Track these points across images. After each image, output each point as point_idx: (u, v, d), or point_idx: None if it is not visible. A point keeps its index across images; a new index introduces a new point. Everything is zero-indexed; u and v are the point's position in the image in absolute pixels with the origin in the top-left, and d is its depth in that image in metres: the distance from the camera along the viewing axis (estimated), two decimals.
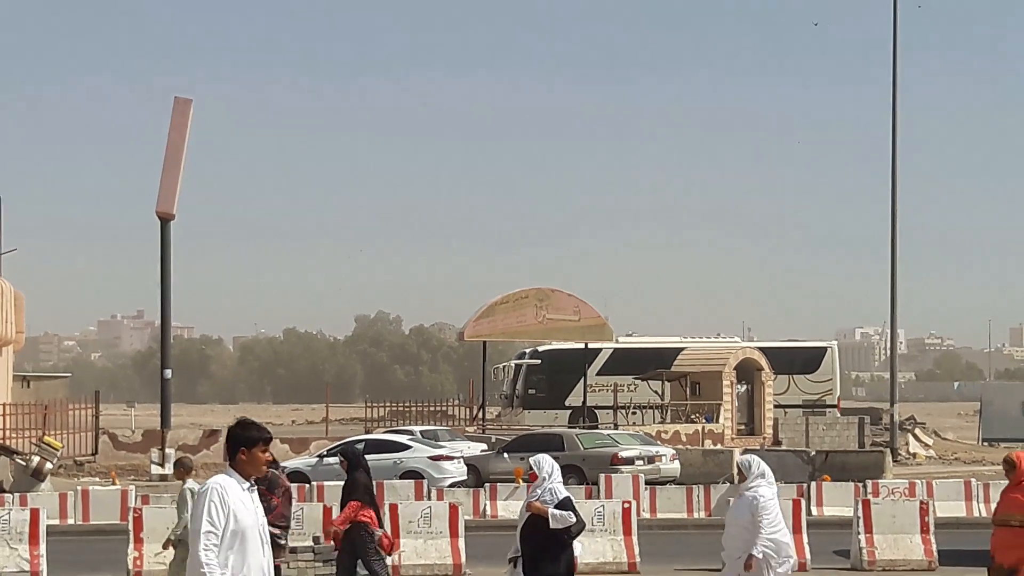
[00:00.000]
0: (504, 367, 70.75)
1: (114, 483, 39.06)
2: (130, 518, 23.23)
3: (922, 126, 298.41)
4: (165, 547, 19.84)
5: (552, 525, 14.55)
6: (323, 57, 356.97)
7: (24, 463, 38.28)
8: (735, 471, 16.68)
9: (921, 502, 24.39)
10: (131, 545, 22.82)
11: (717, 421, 57.63)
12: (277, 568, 14.14)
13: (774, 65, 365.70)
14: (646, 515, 30.51)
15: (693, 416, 58.46)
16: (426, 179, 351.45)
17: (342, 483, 19.66)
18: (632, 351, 66.72)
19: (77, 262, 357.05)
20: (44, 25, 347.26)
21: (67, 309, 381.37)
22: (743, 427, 60.39)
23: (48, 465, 38.37)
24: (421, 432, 45.29)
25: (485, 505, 31.91)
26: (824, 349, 68.56)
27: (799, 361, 66.92)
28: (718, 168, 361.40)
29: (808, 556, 23.57)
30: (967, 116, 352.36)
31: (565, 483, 35.09)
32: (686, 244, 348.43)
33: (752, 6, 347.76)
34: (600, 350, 64.96)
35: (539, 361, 67.53)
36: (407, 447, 40.79)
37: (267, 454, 9.81)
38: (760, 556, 15.28)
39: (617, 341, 65.50)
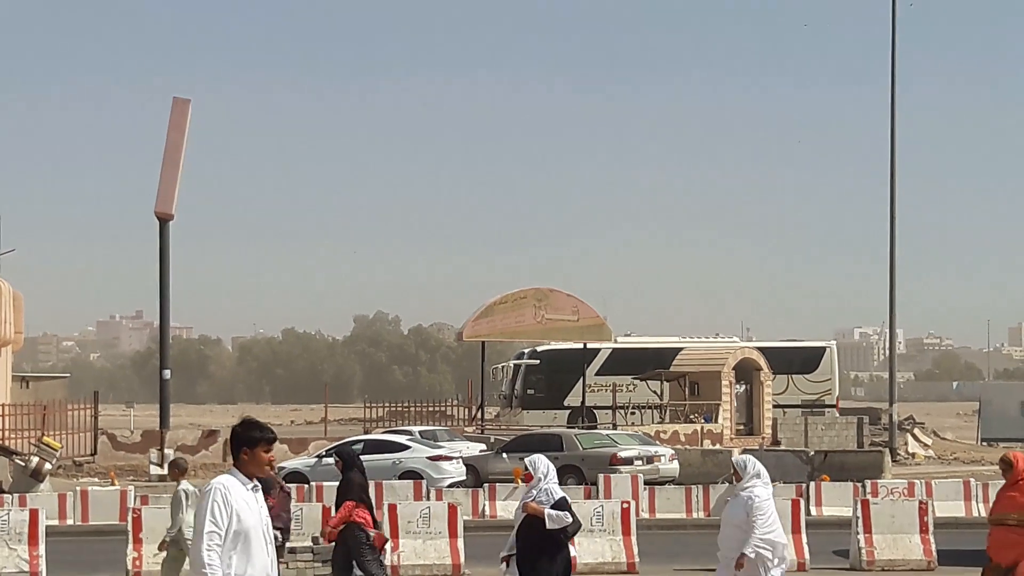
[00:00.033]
0: (503, 367, 70.74)
1: (113, 483, 39.07)
2: (129, 518, 23.25)
3: (921, 126, 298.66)
4: (161, 548, 19.86)
5: (549, 525, 14.56)
6: (323, 57, 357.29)
7: (23, 463, 38.27)
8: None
9: (920, 502, 24.40)
10: (130, 545, 22.84)
11: (716, 421, 57.65)
12: None
13: (773, 65, 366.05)
14: (645, 515, 30.51)
15: (692, 416, 58.49)
16: (425, 179, 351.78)
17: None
18: (631, 351, 66.71)
19: (76, 262, 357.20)
20: (44, 25, 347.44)
21: (66, 309, 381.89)
22: (742, 427, 60.40)
23: (47, 465, 38.36)
24: (420, 432, 45.29)
25: (484, 505, 31.92)
26: (823, 349, 68.56)
27: (798, 361, 66.92)
28: (717, 168, 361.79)
29: (807, 556, 23.60)
30: (966, 116, 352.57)
31: (564, 483, 35.05)
32: (685, 244, 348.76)
33: (751, 6, 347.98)
34: (599, 350, 64.97)
35: (538, 361, 67.52)
36: (406, 447, 40.79)
37: (270, 454, 9.81)
38: (752, 556, 15.28)
39: (616, 341, 65.50)
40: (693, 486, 32.82)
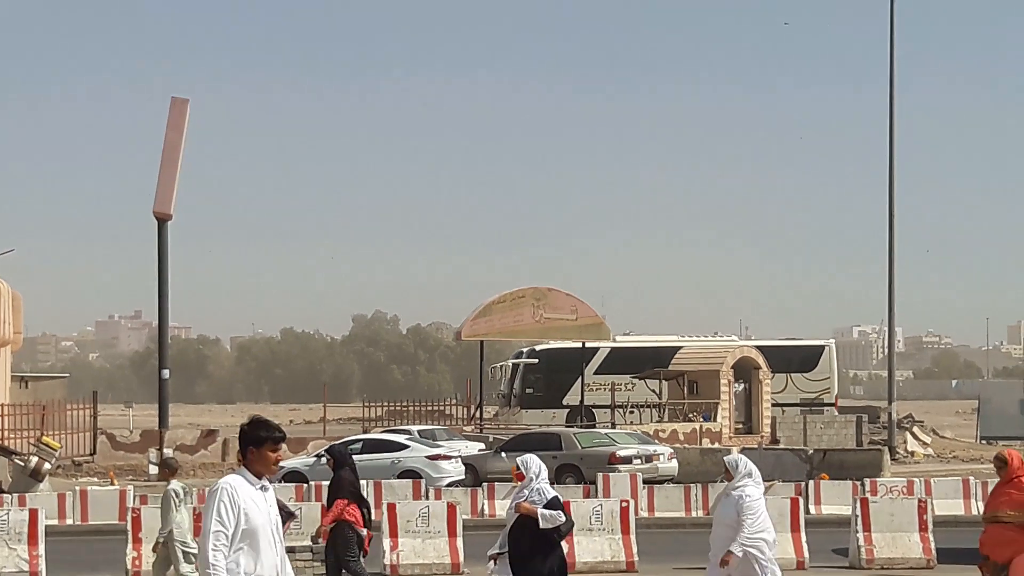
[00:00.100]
0: (501, 366, 70.75)
1: (112, 483, 39.09)
2: (128, 518, 23.26)
3: (920, 125, 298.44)
4: (155, 550, 19.86)
5: (542, 525, 14.55)
6: (323, 57, 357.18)
7: (23, 463, 38.28)
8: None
9: (919, 500, 24.40)
10: (129, 545, 22.85)
11: (715, 420, 57.66)
12: None
13: (773, 65, 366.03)
14: (644, 514, 30.52)
15: (691, 415, 58.51)
16: (424, 179, 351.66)
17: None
18: (629, 350, 66.71)
19: (75, 262, 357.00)
20: (44, 25, 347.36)
21: (65, 309, 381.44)
22: (741, 426, 60.42)
23: (46, 465, 38.37)
24: (419, 432, 45.35)
25: (483, 504, 31.93)
26: (822, 347, 68.58)
27: (797, 359, 66.93)
28: (716, 168, 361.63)
29: (806, 555, 23.61)
30: (965, 115, 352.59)
31: (563, 482, 34.87)
32: (683, 243, 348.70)
33: (751, 6, 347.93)
34: (597, 349, 64.96)
35: (536, 360, 67.51)
36: (405, 447, 40.81)
37: (277, 454, 9.82)
38: (740, 554, 15.31)
39: (614, 340, 65.51)
40: (692, 485, 32.81)
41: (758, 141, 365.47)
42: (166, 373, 49.33)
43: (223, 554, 9.62)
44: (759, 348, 63.36)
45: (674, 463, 41.48)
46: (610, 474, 34.48)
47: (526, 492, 14.75)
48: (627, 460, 40.00)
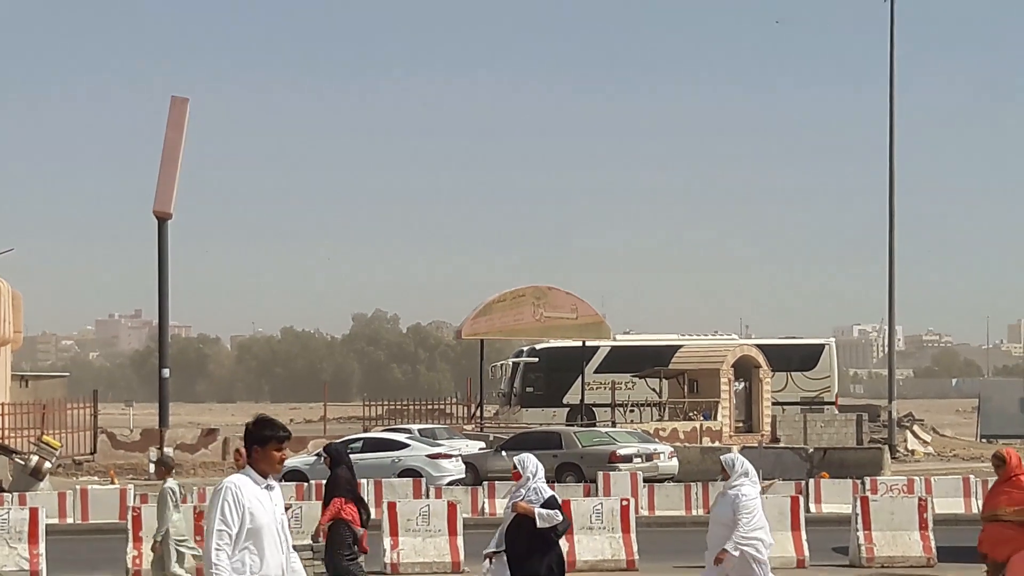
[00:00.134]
0: (502, 365, 70.75)
1: (113, 482, 39.08)
2: (129, 517, 23.26)
3: (920, 124, 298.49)
4: (153, 550, 19.88)
5: (539, 524, 14.55)
6: (323, 57, 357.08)
7: (23, 462, 38.28)
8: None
9: (919, 499, 24.40)
10: (130, 544, 22.85)
11: (715, 418, 57.67)
12: None
13: (773, 65, 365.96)
14: (644, 513, 30.54)
15: (691, 414, 58.51)
16: (424, 179, 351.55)
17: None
18: (630, 349, 66.73)
19: (75, 262, 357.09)
20: (44, 25, 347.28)
21: (65, 309, 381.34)
22: (741, 424, 60.43)
23: (47, 464, 38.38)
24: (419, 430, 45.35)
25: (483, 503, 31.95)
26: (822, 346, 68.58)
27: (797, 358, 66.94)
28: (717, 167, 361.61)
29: (807, 553, 23.61)
30: (965, 113, 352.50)
31: (563, 481, 34.88)
32: (684, 242, 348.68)
33: (751, 6, 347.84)
34: (598, 348, 64.95)
35: (537, 359, 67.52)
36: (405, 445, 40.81)
37: (282, 453, 9.82)
38: (736, 553, 15.32)
39: (615, 339, 65.51)
40: (692, 483, 32.82)
41: (758, 141, 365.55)
42: (166, 372, 49.33)
43: (226, 554, 9.62)
44: (759, 347, 63.36)
45: (674, 462, 41.49)
46: (610, 473, 34.49)
47: (523, 491, 14.75)
48: (627, 459, 40.01)
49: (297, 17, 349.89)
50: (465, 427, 53.61)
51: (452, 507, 23.63)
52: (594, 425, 53.62)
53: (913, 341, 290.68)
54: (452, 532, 23.27)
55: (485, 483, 34.25)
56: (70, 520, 30.89)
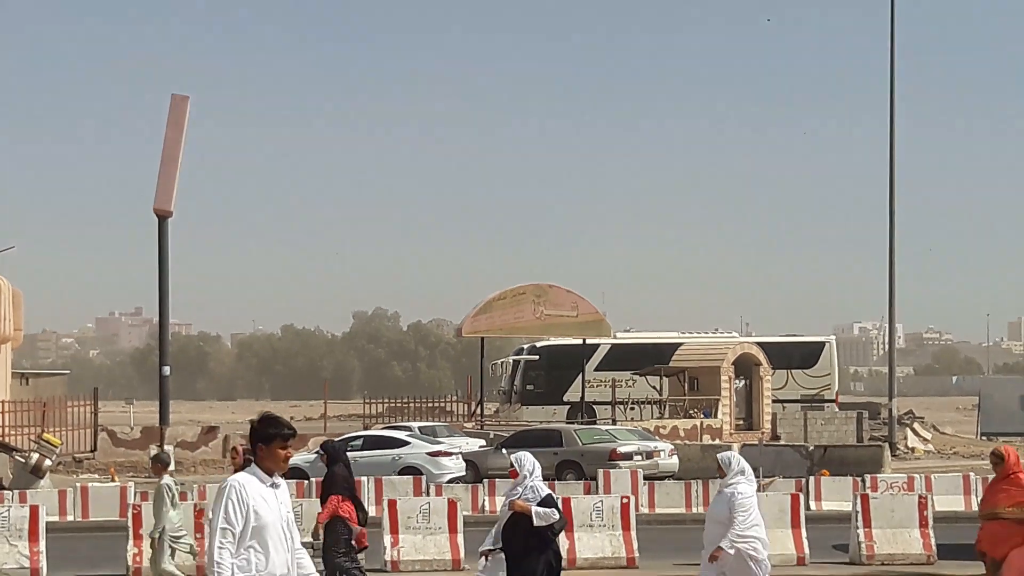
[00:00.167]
0: (502, 363, 70.77)
1: (113, 480, 39.07)
2: (129, 514, 23.25)
3: (920, 121, 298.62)
4: (153, 547, 19.87)
5: (536, 523, 14.57)
6: (323, 57, 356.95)
7: (23, 460, 38.27)
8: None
9: (920, 496, 24.39)
10: (130, 541, 22.85)
11: (715, 416, 57.68)
12: None
13: (773, 65, 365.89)
14: (644, 510, 30.53)
15: (691, 411, 58.51)
16: (424, 177, 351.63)
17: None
18: (630, 346, 66.73)
19: (75, 259, 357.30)
20: (44, 25, 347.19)
21: (65, 306, 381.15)
22: (741, 422, 60.44)
23: (47, 462, 38.37)
24: (419, 428, 45.36)
25: (483, 501, 31.93)
26: (822, 344, 68.60)
27: (797, 356, 66.96)
28: (716, 164, 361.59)
29: (807, 550, 23.61)
30: (965, 111, 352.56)
31: (563, 479, 34.89)
32: (684, 239, 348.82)
33: (751, 7, 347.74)
34: (598, 346, 64.97)
35: (537, 357, 67.53)
36: (405, 443, 40.81)
37: (287, 451, 9.82)
38: (732, 551, 15.33)
39: (615, 337, 65.51)
40: (693, 481, 32.81)
41: (758, 140, 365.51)
42: (167, 370, 49.33)
43: (229, 552, 9.62)
44: (760, 344, 63.39)
45: (675, 459, 41.48)
46: (611, 470, 34.50)
47: (520, 490, 14.76)
48: (628, 456, 40.00)
49: (297, 17, 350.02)
50: (465, 425, 53.62)
51: (452, 505, 23.64)
52: (594, 423, 53.60)
53: (913, 339, 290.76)
54: (452, 530, 23.27)
55: (485, 481, 34.24)
56: (70, 518, 30.89)
